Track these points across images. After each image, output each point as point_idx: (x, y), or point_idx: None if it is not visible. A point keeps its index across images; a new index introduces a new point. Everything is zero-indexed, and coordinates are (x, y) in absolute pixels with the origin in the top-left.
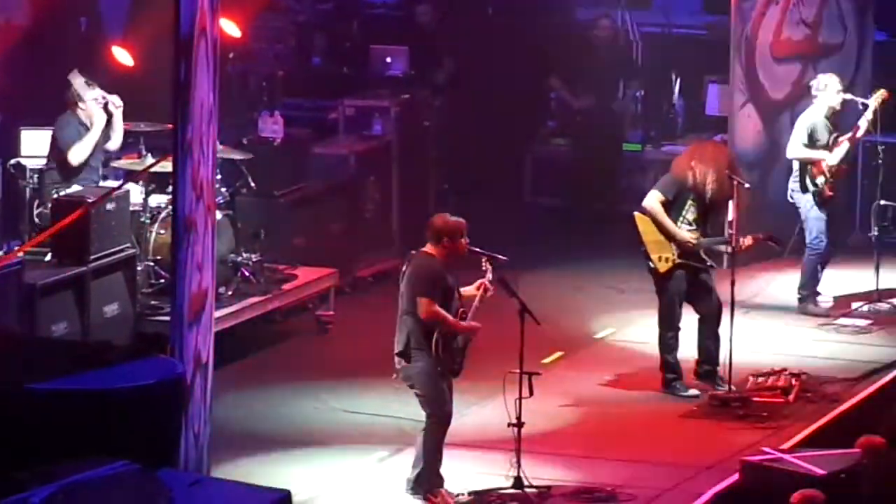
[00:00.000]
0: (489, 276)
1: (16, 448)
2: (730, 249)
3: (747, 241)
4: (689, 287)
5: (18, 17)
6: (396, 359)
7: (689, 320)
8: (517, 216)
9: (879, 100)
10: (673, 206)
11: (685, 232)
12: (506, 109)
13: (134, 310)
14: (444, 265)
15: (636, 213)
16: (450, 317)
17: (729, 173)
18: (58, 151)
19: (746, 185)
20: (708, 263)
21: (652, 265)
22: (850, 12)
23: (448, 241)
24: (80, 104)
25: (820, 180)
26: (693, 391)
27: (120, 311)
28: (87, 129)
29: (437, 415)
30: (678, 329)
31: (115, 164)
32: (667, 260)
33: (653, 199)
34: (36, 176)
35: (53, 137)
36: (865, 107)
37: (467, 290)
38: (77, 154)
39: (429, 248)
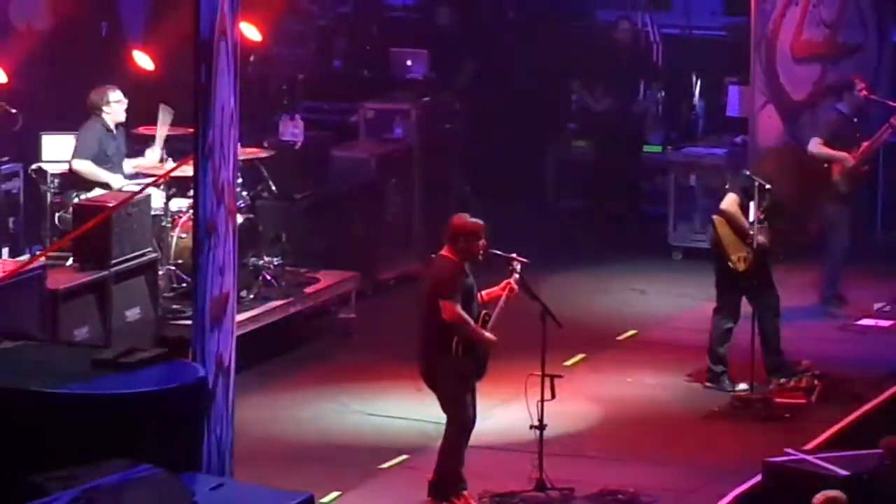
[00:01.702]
0: (515, 276)
1: (39, 452)
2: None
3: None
4: (758, 283)
5: (39, 22)
6: (419, 361)
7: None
8: (538, 218)
9: None
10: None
11: (757, 231)
12: (526, 112)
13: (156, 314)
14: (463, 267)
15: (714, 217)
16: (471, 321)
17: (749, 173)
18: (72, 154)
19: (767, 186)
20: (781, 257)
21: (731, 265)
22: (870, 13)
23: (464, 242)
24: (105, 108)
25: (838, 180)
26: (742, 385)
27: (142, 315)
28: (112, 135)
29: (459, 418)
30: (736, 323)
31: (136, 168)
32: (744, 259)
33: (732, 202)
34: (57, 180)
35: (76, 140)
36: (889, 108)
37: (492, 291)
38: (80, 165)
39: (446, 250)
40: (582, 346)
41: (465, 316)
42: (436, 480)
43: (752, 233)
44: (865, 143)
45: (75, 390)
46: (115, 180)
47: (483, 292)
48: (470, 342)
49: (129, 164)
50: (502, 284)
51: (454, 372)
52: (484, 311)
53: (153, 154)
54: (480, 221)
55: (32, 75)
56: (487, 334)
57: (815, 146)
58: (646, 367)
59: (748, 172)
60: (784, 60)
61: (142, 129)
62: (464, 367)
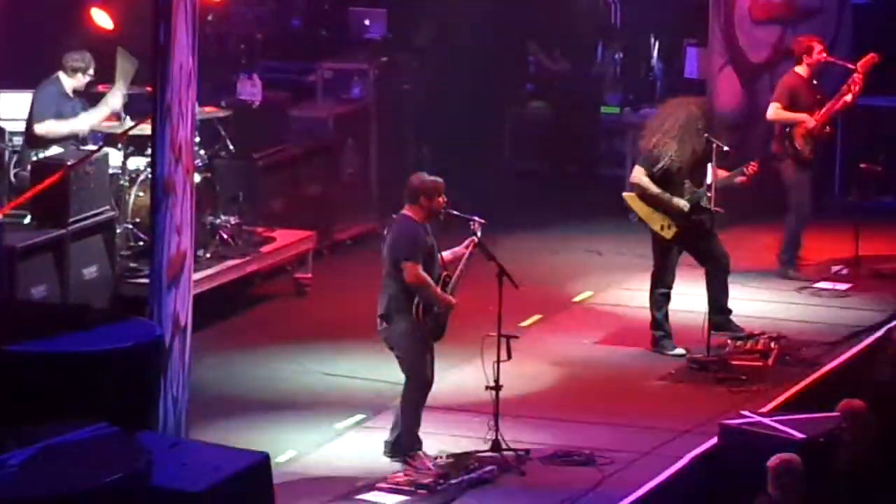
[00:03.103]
0: (478, 235)
1: None
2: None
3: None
4: (697, 244)
5: None
6: (379, 321)
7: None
8: (495, 179)
9: (869, 65)
10: (664, 174)
11: (676, 198)
12: (484, 72)
13: (113, 272)
14: (424, 226)
15: (625, 194)
16: (433, 283)
17: (707, 135)
18: (29, 118)
19: (725, 148)
20: (713, 209)
21: (659, 235)
22: None
23: (425, 200)
24: (79, 74)
25: (800, 143)
26: (679, 350)
27: (99, 273)
28: (68, 98)
29: (417, 378)
30: (671, 287)
31: (95, 126)
32: (669, 226)
33: (638, 174)
34: (15, 139)
35: (31, 104)
36: (849, 70)
37: (456, 251)
38: (44, 128)
39: (407, 209)
40: (538, 307)
41: (427, 278)
42: (392, 440)
43: (709, 195)
44: (828, 104)
45: (32, 348)
46: (81, 122)
47: (445, 252)
48: (429, 304)
49: (89, 120)
50: (465, 242)
51: (414, 332)
52: (445, 273)
53: (114, 99)
54: (440, 179)
55: None
56: (448, 297)
57: (774, 111)
58: (602, 329)
59: (707, 134)
60: (743, 22)
61: (101, 88)
62: (424, 328)
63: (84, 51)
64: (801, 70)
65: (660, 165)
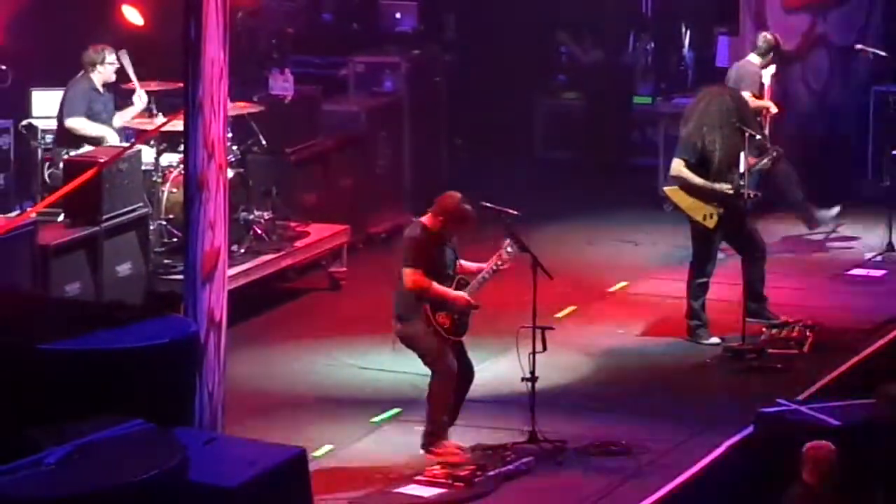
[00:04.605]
0: (508, 249)
1: (31, 408)
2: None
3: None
4: (736, 231)
5: None
6: (394, 322)
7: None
8: (528, 170)
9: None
10: (701, 163)
11: (719, 184)
12: (515, 64)
13: (147, 269)
14: (437, 236)
15: (666, 188)
16: (435, 285)
17: (739, 125)
18: (60, 113)
19: (758, 137)
20: (753, 195)
21: (702, 226)
22: None
23: (444, 222)
24: (99, 67)
25: (768, 129)
26: (715, 339)
27: (133, 270)
28: (99, 93)
29: (441, 372)
30: (710, 277)
31: (127, 123)
32: (712, 216)
33: (678, 166)
34: (48, 136)
35: (62, 100)
36: (880, 57)
37: (480, 266)
38: (75, 123)
39: (427, 218)
40: (573, 298)
41: (426, 282)
42: (428, 431)
43: (742, 183)
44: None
45: (67, 346)
46: (110, 133)
47: (468, 264)
48: (440, 304)
49: (119, 118)
50: (491, 259)
51: (427, 331)
52: (459, 277)
53: (139, 99)
54: (473, 214)
55: (22, 31)
56: (460, 295)
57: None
58: (637, 319)
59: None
60: (774, 10)
61: (130, 85)
62: (438, 325)
63: (98, 45)
64: (753, 58)
65: (697, 154)
